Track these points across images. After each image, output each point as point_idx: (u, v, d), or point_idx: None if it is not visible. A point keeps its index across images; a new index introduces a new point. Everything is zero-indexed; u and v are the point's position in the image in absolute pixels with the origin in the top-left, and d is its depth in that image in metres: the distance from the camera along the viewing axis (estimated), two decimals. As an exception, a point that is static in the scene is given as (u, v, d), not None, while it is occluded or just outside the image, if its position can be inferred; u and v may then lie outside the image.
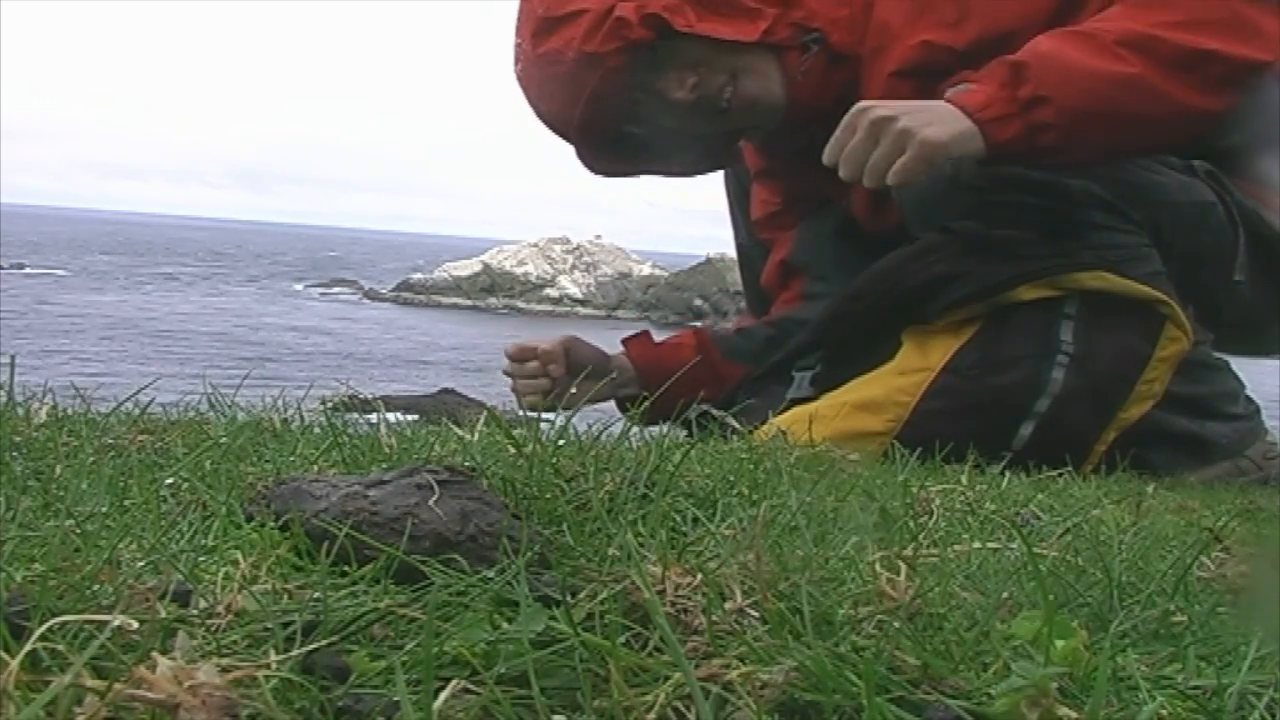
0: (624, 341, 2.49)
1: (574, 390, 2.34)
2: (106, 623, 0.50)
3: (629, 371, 2.42)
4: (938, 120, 1.84)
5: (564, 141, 2.26)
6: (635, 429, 1.13)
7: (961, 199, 1.96)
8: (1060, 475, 1.51)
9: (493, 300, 33.81)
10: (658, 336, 2.55)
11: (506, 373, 2.42)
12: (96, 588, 0.57)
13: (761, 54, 2.12)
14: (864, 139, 1.86)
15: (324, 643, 0.54)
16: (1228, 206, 2.08)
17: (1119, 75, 1.83)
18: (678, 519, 0.86)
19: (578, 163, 2.31)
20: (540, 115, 2.24)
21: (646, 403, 1.15)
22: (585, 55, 2.07)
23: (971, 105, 1.85)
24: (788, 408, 2.10)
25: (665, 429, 1.23)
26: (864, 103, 1.90)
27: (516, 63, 2.22)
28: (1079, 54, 1.86)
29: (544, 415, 1.11)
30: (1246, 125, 2.09)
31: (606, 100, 2.12)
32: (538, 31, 2.12)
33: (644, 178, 2.52)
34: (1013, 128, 1.83)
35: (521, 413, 2.27)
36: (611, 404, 2.45)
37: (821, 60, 2.12)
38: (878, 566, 0.71)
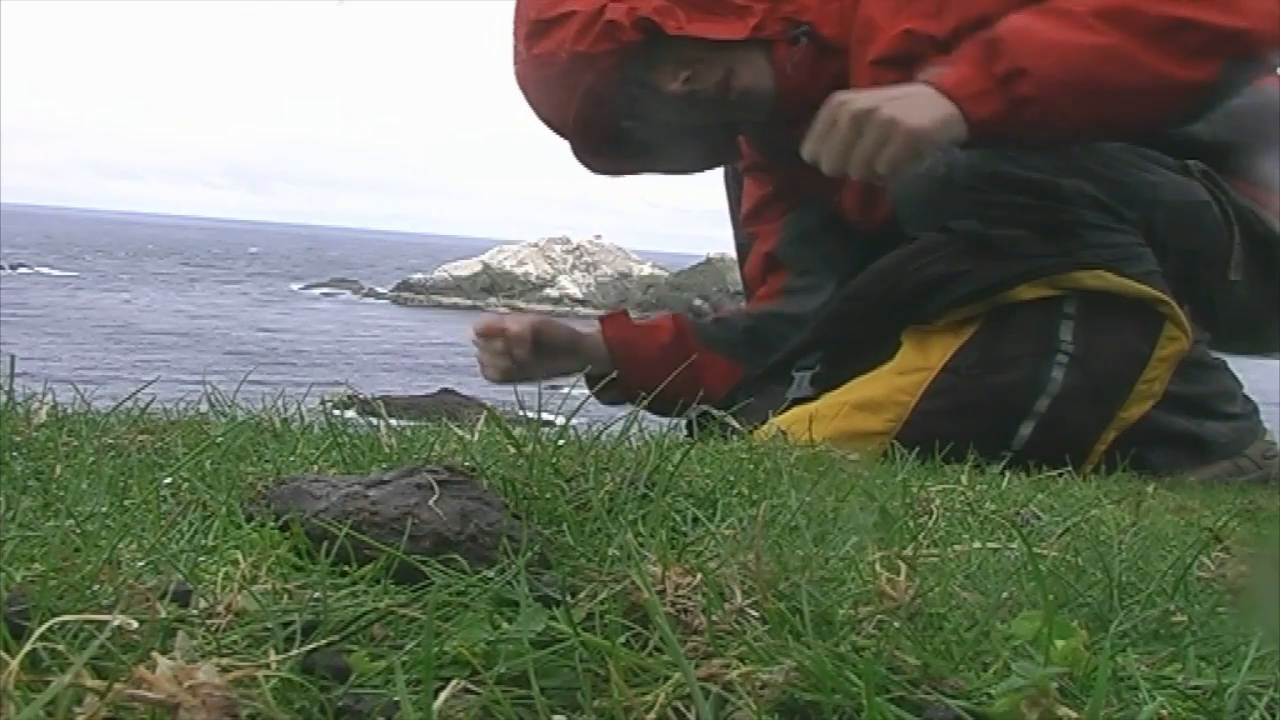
0: (600, 320, 2.50)
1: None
2: (106, 623, 0.50)
3: (601, 351, 2.43)
4: (919, 107, 1.84)
5: (564, 141, 2.28)
6: (636, 428, 1.13)
7: (955, 200, 1.96)
8: (1060, 475, 1.51)
9: (493, 300, 33.80)
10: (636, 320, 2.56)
11: (476, 343, 2.43)
12: (96, 588, 0.57)
13: (752, 48, 2.13)
14: (847, 132, 1.86)
15: (324, 643, 0.54)
16: (1222, 206, 2.07)
17: (1096, 46, 1.84)
18: (678, 519, 0.86)
19: (578, 162, 2.32)
20: (539, 116, 2.26)
21: (649, 396, 1.15)
22: (577, 56, 2.08)
23: (949, 85, 1.85)
24: (788, 408, 2.10)
25: (665, 428, 1.23)
26: (841, 94, 1.90)
27: (514, 65, 2.24)
28: (1053, 27, 1.86)
29: (543, 415, 1.11)
30: (1242, 123, 2.09)
31: (601, 98, 2.13)
32: (531, 34, 2.14)
33: (644, 177, 2.53)
34: (992, 103, 1.83)
35: (522, 413, 2.27)
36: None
37: (811, 52, 2.12)
38: (878, 566, 0.71)
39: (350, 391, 1.97)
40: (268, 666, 0.50)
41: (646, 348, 2.43)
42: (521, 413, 1.16)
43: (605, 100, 2.14)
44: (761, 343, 2.46)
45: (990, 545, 0.84)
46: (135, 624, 0.51)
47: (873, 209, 2.22)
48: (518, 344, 2.37)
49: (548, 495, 0.83)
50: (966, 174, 1.94)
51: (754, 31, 2.10)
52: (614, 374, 2.31)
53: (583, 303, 33.29)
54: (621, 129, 2.23)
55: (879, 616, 0.63)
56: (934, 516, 1.02)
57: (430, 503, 0.71)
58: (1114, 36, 1.84)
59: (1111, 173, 1.99)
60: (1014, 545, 0.83)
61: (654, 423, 1.52)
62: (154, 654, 0.48)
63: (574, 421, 1.03)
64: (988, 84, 1.83)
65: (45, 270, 41.04)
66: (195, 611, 0.57)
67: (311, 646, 0.53)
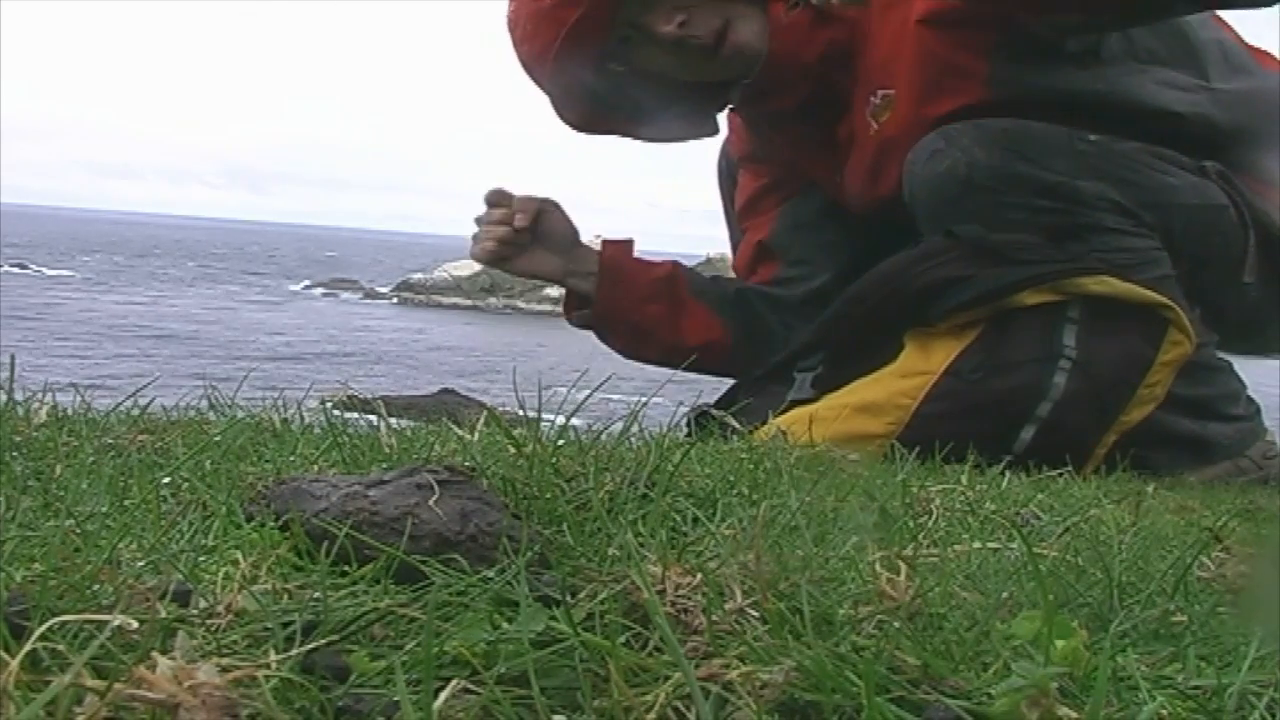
0: (604, 241, 2.47)
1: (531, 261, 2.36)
2: (106, 623, 0.50)
3: (589, 263, 2.40)
4: None
5: (539, 89, 2.25)
6: (636, 428, 1.12)
7: (974, 200, 1.96)
8: (1060, 475, 1.51)
9: (493, 300, 33.81)
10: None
11: (478, 220, 2.38)
12: (96, 588, 0.57)
13: (751, 3, 2.12)
14: None
15: (324, 643, 0.54)
16: (1239, 208, 2.08)
17: None
18: (678, 519, 0.86)
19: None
20: (522, 59, 2.23)
21: (645, 402, 1.15)
22: None
23: None
24: (788, 408, 2.10)
25: (665, 428, 1.23)
26: None
27: (510, 4, 2.22)
28: None
29: (543, 416, 1.11)
30: (1260, 111, 2.09)
31: (589, 33, 2.11)
32: None
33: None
34: None
35: (521, 412, 2.27)
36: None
37: (806, 15, 2.12)
38: (878, 566, 0.71)
39: (350, 391, 1.97)
40: (268, 666, 0.50)
41: (637, 277, 2.42)
42: (521, 413, 1.16)
43: (593, 36, 2.12)
44: (747, 310, 2.46)
45: (990, 545, 0.84)
46: (135, 624, 0.51)
47: (877, 184, 2.21)
48: (520, 211, 2.31)
49: (548, 495, 0.83)
50: (986, 174, 1.94)
51: None
52: (592, 291, 2.31)
53: (583, 303, 33.26)
54: (602, 74, 2.20)
55: (879, 616, 0.63)
56: (934, 516, 1.02)
57: (430, 503, 0.71)
58: None
59: (1131, 175, 1.99)
60: (1014, 545, 0.83)
61: (654, 423, 1.52)
62: (154, 654, 0.48)
63: (574, 421, 1.03)
64: None
65: (46, 270, 41.06)
66: (195, 611, 0.57)
67: (311, 646, 0.53)
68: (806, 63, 2.16)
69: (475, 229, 2.36)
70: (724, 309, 2.46)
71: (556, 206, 2.39)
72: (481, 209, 2.35)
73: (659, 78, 2.20)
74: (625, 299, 2.41)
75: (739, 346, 2.42)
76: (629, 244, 2.48)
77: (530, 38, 2.19)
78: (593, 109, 2.31)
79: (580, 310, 2.45)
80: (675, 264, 2.52)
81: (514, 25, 2.22)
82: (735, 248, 2.70)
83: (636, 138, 2.45)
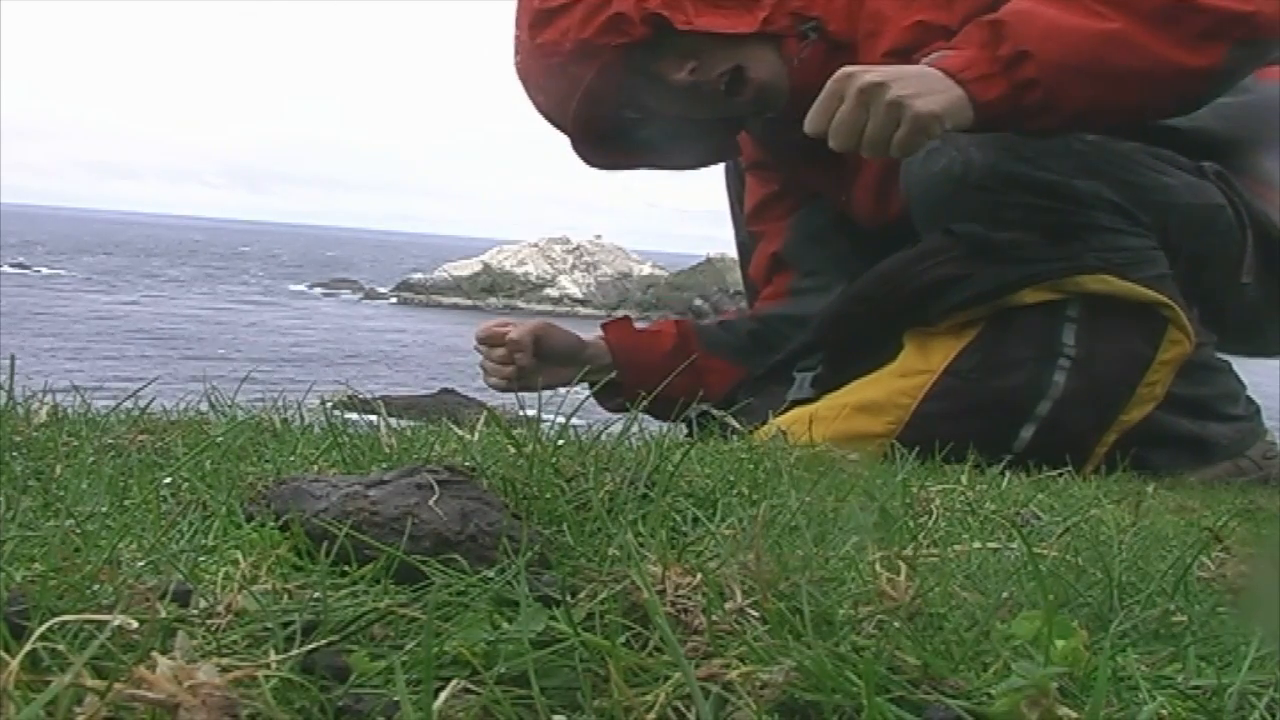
0: (603, 326, 2.49)
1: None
2: (106, 623, 0.50)
3: (605, 357, 2.42)
4: (928, 89, 1.81)
5: (561, 134, 2.26)
6: (636, 428, 1.12)
7: (969, 200, 1.95)
8: (1060, 475, 1.51)
9: (493, 300, 33.83)
10: (638, 325, 2.55)
11: (480, 352, 2.43)
12: (96, 588, 0.57)
13: (760, 43, 2.12)
14: (853, 108, 1.82)
15: (324, 643, 0.54)
16: (1236, 208, 2.07)
17: (1099, 31, 1.82)
18: (678, 519, 0.86)
19: (578, 161, 2.31)
20: (538, 108, 2.24)
21: (648, 396, 1.15)
22: (582, 45, 2.07)
23: (954, 68, 1.82)
24: (788, 408, 2.10)
25: (665, 429, 1.23)
26: (848, 69, 1.86)
27: (516, 55, 2.22)
28: (1057, 11, 1.84)
29: (543, 415, 1.11)
30: (1257, 119, 2.09)
31: (603, 91, 2.12)
32: (535, 23, 2.12)
33: (643, 175, 2.53)
34: (997, 86, 1.81)
35: (522, 413, 2.27)
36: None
37: (821, 48, 2.12)
38: (878, 566, 0.71)
39: (350, 391, 1.97)
40: (268, 666, 0.50)
41: (650, 353, 2.43)
42: (521, 413, 1.16)
43: (607, 93, 2.13)
44: (766, 346, 2.45)
45: (990, 545, 0.84)
46: (135, 624, 0.51)
47: (886, 205, 2.21)
48: (519, 350, 2.36)
49: (548, 495, 0.83)
50: (982, 174, 1.93)
51: (763, 25, 2.09)
52: (616, 378, 2.31)
53: (583, 303, 33.31)
54: (622, 122, 2.21)
55: (879, 616, 0.63)
56: (934, 516, 1.02)
57: (430, 503, 0.71)
58: (1118, 21, 1.81)
59: (1127, 175, 1.99)
60: (1014, 545, 0.83)
61: (654, 423, 1.52)
62: (154, 654, 0.48)
63: (574, 421, 1.03)
64: (992, 67, 1.80)
65: (46, 270, 41.08)
66: (195, 611, 0.57)
67: (311, 646, 0.53)
68: None
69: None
70: (742, 357, 2.45)
71: (550, 326, 2.44)
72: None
73: (678, 117, 2.21)
74: (648, 378, 2.43)
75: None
76: (627, 320, 2.51)
77: (544, 93, 2.20)
78: (615, 152, 2.32)
79: (614, 399, 2.46)
80: (677, 324, 2.52)
81: (525, 77, 2.22)
82: (740, 245, 2.70)
83: (662, 169, 2.47)
